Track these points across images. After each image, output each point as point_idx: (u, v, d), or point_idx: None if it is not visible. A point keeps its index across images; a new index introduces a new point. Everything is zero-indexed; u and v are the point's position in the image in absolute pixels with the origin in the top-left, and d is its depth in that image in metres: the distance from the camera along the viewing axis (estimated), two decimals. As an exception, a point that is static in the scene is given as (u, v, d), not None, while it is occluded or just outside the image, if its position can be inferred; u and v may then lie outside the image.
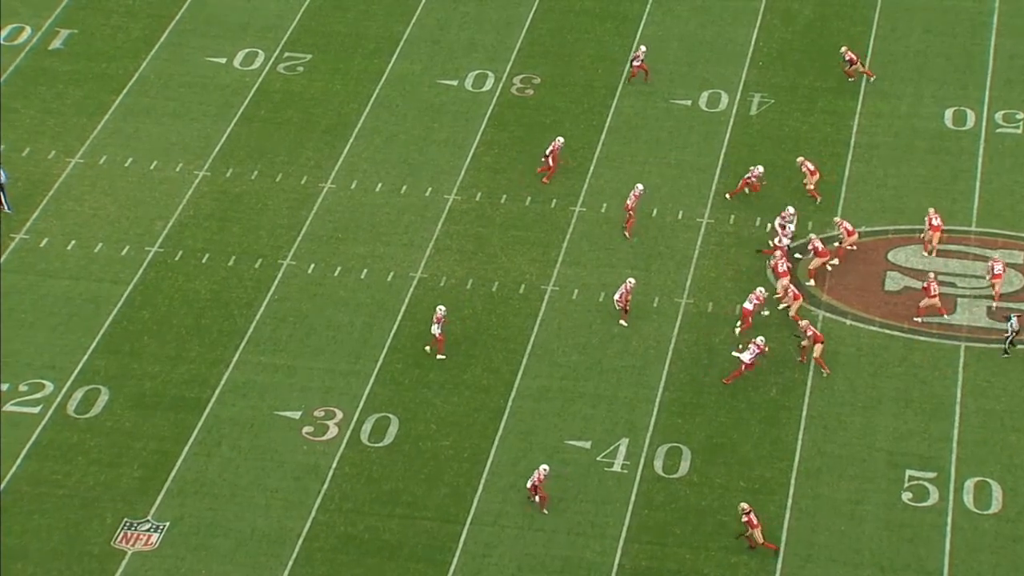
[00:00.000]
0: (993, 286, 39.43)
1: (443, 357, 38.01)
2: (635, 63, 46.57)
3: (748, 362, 37.10)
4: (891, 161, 43.93)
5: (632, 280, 38.91)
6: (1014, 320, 37.97)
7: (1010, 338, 37.91)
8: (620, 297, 38.81)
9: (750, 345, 37.24)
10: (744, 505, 33.83)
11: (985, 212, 42.13)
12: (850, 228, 40.63)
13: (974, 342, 38.54)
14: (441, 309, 37.94)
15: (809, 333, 37.50)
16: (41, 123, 45.41)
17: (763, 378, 37.57)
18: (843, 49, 46.58)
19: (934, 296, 38.50)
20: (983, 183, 43.11)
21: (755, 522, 33.69)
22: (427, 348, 38.33)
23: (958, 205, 42.46)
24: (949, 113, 45.63)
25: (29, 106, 46.03)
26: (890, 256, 40.95)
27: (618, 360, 38.04)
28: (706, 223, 41.99)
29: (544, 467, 34.61)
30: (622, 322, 38.86)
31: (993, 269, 39.39)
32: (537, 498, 34.56)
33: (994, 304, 39.39)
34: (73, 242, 41.49)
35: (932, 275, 39.19)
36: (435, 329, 37.87)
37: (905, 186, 43.12)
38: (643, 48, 46.98)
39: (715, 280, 40.29)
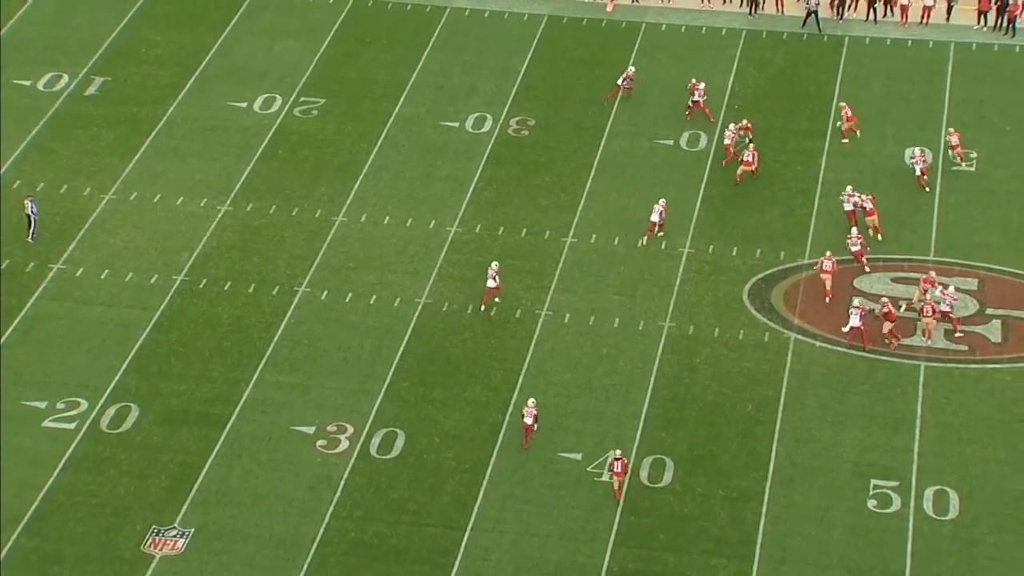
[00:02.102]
0: (921, 306, 39.15)
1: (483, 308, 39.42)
2: (624, 83, 46.65)
3: (858, 325, 38.15)
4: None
5: (663, 200, 41.42)
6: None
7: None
8: (660, 218, 40.91)
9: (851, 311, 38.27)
10: (617, 452, 34.34)
11: (942, 243, 42.18)
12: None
13: (933, 362, 38.52)
14: (495, 265, 39.44)
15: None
16: (77, 163, 45.46)
17: (740, 395, 37.54)
18: (842, 106, 46.33)
19: (893, 319, 38.42)
20: (940, 216, 43.16)
21: (619, 470, 34.15)
22: (483, 307, 39.46)
23: (918, 236, 42.51)
24: (908, 152, 45.72)
25: (67, 147, 46.09)
26: (856, 283, 40.97)
27: (606, 379, 38.02)
28: (687, 252, 42.02)
29: (532, 401, 35.75)
30: (645, 240, 40.48)
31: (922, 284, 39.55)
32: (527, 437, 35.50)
33: (924, 319, 39.05)
34: (106, 271, 41.49)
35: (886, 299, 39.26)
36: (491, 282, 39.26)
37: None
38: (632, 68, 47.22)
39: (696, 305, 40.30)
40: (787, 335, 39.37)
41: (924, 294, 39.41)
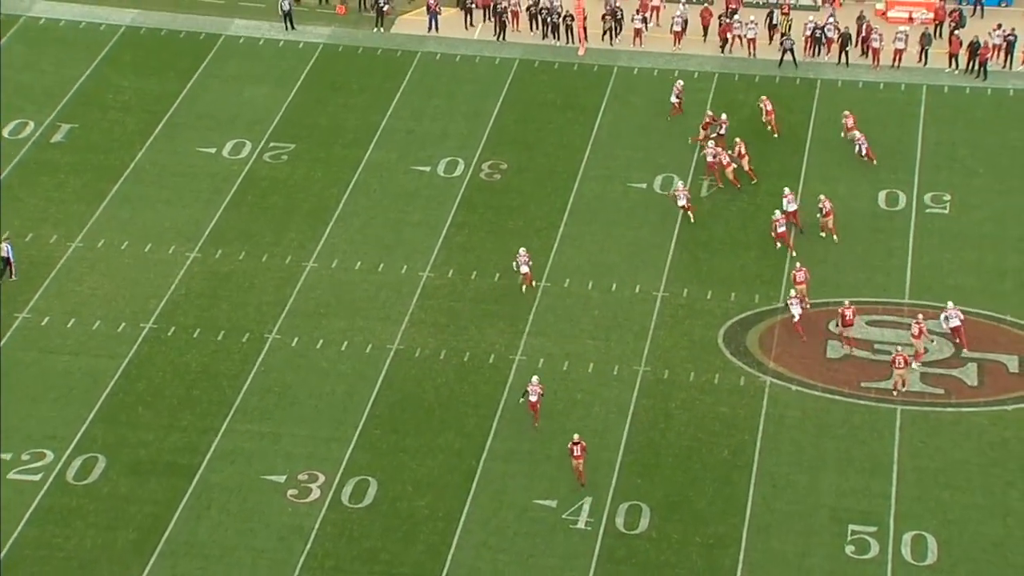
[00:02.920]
0: (915, 348, 39.64)
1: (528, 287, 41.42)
2: (675, 100, 48.37)
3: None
4: (830, 239, 44.34)
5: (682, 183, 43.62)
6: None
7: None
8: (687, 203, 43.56)
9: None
10: (576, 436, 35.84)
11: (916, 286, 42.56)
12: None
13: (909, 405, 38.76)
14: (523, 251, 41.58)
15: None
16: (44, 211, 45.44)
17: (716, 440, 37.67)
18: (846, 114, 47.72)
19: (902, 369, 38.69)
20: (914, 259, 43.56)
21: (578, 454, 35.57)
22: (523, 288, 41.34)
23: (892, 279, 42.89)
24: (882, 195, 46.21)
25: (33, 195, 46.08)
26: (831, 326, 41.25)
27: (581, 424, 38.09)
28: (661, 296, 42.27)
29: (535, 378, 37.32)
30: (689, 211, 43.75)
31: (911, 330, 39.77)
32: (536, 414, 37.13)
33: (917, 363, 39.58)
34: (73, 320, 41.39)
35: (847, 302, 40.30)
36: (524, 268, 41.25)
37: (843, 262, 43.53)
38: (681, 82, 48.70)
39: (670, 350, 40.50)
40: (763, 379, 39.59)
41: (919, 337, 39.63)
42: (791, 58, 51.83)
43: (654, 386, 39.35)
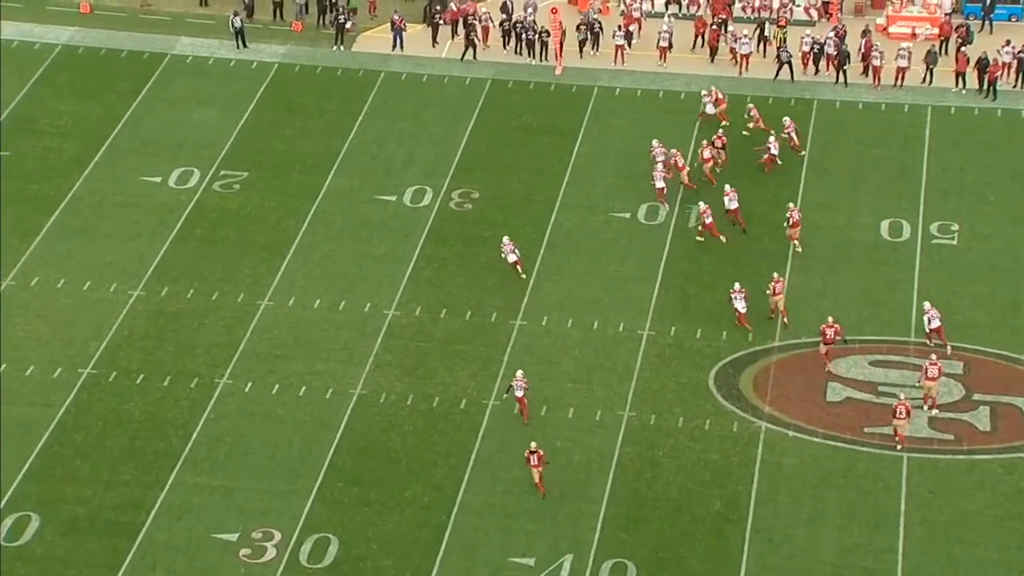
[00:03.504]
0: (928, 389, 40.02)
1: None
2: (710, 106, 49.55)
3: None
4: (829, 272, 44.76)
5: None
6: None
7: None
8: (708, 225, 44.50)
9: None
10: (533, 444, 37.07)
11: (923, 323, 42.86)
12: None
13: (916, 453, 39.02)
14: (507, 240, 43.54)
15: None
16: (-29, 244, 45.54)
17: (707, 491, 37.84)
18: (786, 121, 48.66)
19: (902, 419, 38.96)
20: (920, 294, 43.90)
21: (535, 463, 36.88)
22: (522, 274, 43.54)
23: (896, 316, 43.25)
24: (885, 224, 46.67)
25: (-41, 227, 46.16)
26: (831, 367, 41.56)
27: (561, 474, 38.20)
28: (647, 335, 42.53)
29: (519, 372, 39.08)
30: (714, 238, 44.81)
31: (928, 372, 40.09)
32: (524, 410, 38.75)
33: (935, 411, 40.01)
34: (3, 365, 41.30)
35: (830, 319, 41.21)
36: (512, 257, 43.29)
37: (844, 297, 43.90)
38: (713, 88, 49.93)
39: (657, 393, 40.72)
40: (758, 425, 39.82)
41: (935, 380, 39.91)
42: (788, 73, 52.38)
43: (640, 432, 39.52)
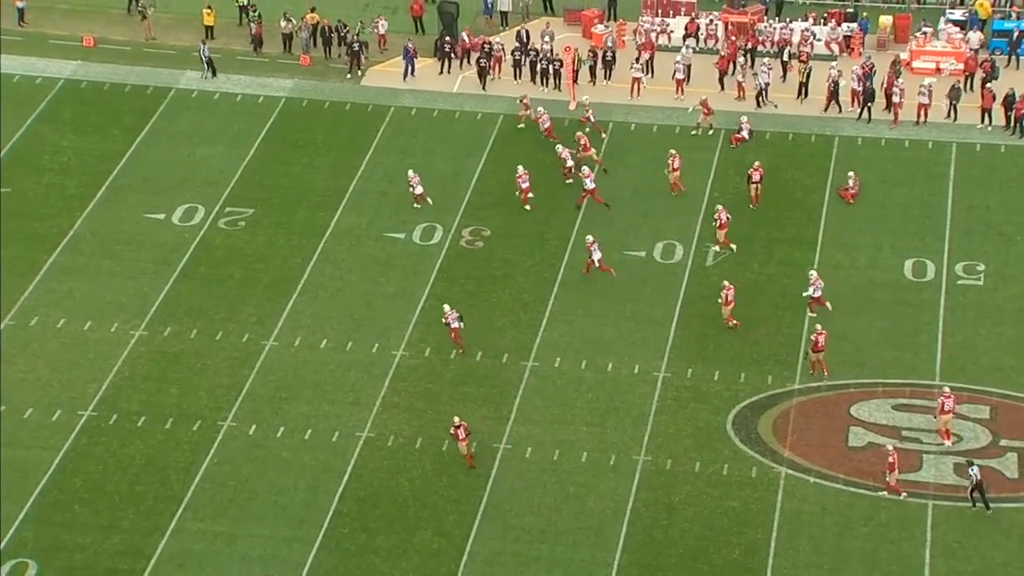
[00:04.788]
0: (943, 423, 39.90)
1: None
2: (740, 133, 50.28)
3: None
4: (851, 313, 44.72)
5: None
6: (976, 469, 38.40)
7: (972, 487, 38.28)
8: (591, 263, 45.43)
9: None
10: (456, 419, 38.63)
11: (948, 366, 42.81)
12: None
13: (942, 500, 38.86)
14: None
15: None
16: (-30, 283, 45.70)
17: (725, 538, 37.73)
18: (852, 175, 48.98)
19: (892, 464, 38.86)
20: (945, 336, 43.86)
21: (463, 436, 38.24)
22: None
23: (920, 359, 43.16)
24: (909, 264, 46.68)
25: (-42, 266, 46.37)
26: (853, 411, 41.47)
27: (574, 521, 38.15)
28: (663, 377, 42.51)
29: (446, 306, 41.87)
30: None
31: (944, 406, 40.02)
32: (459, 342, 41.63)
33: (948, 442, 39.89)
34: (2, 408, 41.38)
35: (819, 327, 42.09)
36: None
37: (866, 339, 43.86)
38: (745, 118, 50.44)
39: (674, 436, 40.66)
40: (777, 470, 39.72)
41: (944, 411, 40.00)
42: (836, 106, 52.78)
43: (655, 478, 39.45)
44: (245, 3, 58.33)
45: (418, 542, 37.69)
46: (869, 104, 52.76)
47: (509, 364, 42.90)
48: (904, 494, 38.69)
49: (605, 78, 54.68)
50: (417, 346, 43.53)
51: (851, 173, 49.13)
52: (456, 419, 38.97)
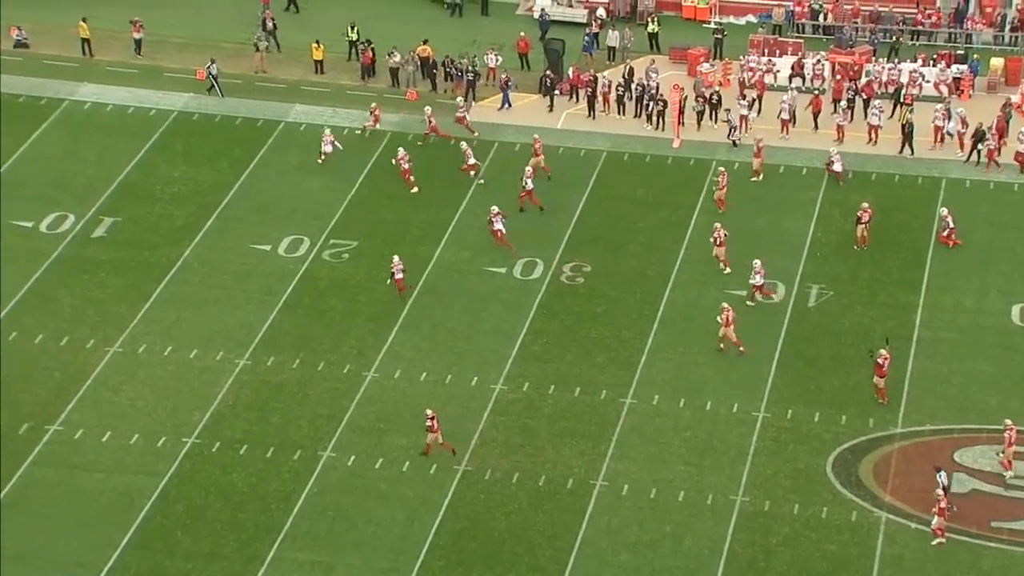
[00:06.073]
0: (1006, 455, 39.48)
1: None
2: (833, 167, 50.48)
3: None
4: (956, 357, 44.09)
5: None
6: (943, 474, 38.43)
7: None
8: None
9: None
10: (429, 411, 39.87)
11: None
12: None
13: (1047, 547, 38.23)
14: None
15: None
16: (81, 312, 46.37)
17: (823, 582, 37.34)
18: (943, 212, 48.12)
19: None
20: (1054, 381, 43.19)
21: (436, 427, 39.46)
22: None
23: (1027, 404, 42.51)
24: (1016, 309, 45.91)
25: (70, 295, 47.04)
26: (956, 456, 40.83)
27: (670, 560, 37.89)
28: (762, 417, 42.17)
29: (395, 257, 45.31)
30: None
31: (1010, 440, 39.50)
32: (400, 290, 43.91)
33: (1009, 473, 39.38)
34: (108, 434, 41.98)
35: (882, 355, 41.73)
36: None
37: (971, 384, 43.18)
38: (834, 150, 50.90)
39: (772, 477, 40.28)
40: (877, 515, 39.19)
41: (1009, 443, 39.57)
42: (910, 148, 52.03)
43: (753, 519, 39.10)
44: (355, 38, 59.06)
45: (513, 577, 37.70)
46: (979, 147, 52.00)
47: (607, 400, 42.80)
48: (943, 539, 38.05)
49: (711, 120, 54.50)
50: (516, 380, 43.58)
51: (943, 210, 48.40)
52: (429, 411, 40.33)
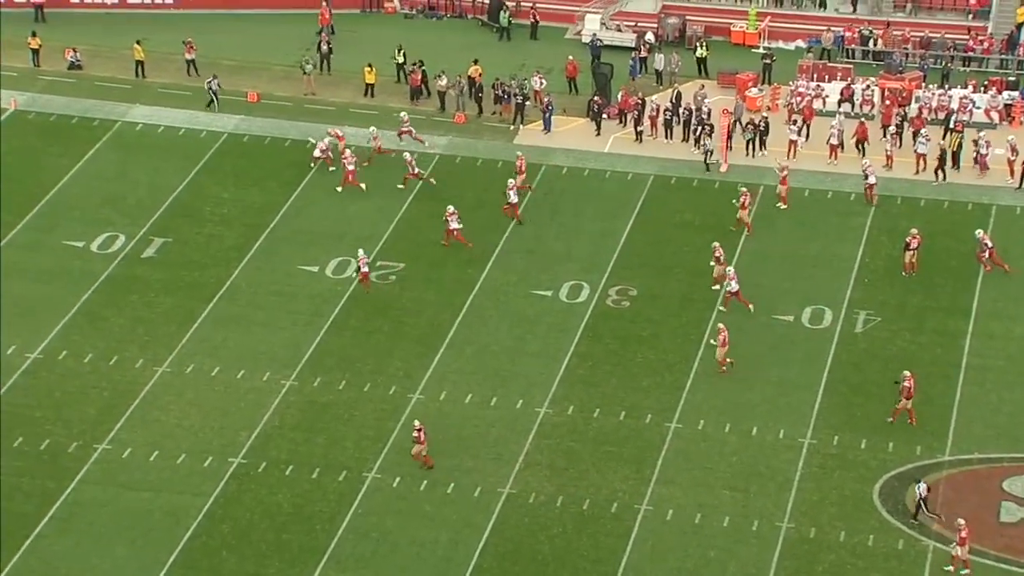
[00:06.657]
0: None
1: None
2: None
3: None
4: (1005, 385, 43.69)
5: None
6: (923, 486, 38.42)
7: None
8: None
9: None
10: (417, 423, 40.80)
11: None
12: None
13: (1097, 578, 37.76)
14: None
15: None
16: (130, 331, 46.67)
17: (869, 610, 37.02)
18: (980, 234, 47.50)
19: None
20: (1104, 411, 42.70)
21: (422, 439, 40.34)
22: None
23: (1084, 435, 42.02)
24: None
25: (119, 315, 47.36)
26: (1005, 485, 40.43)
27: (714, 587, 37.75)
28: (808, 443, 41.90)
29: (360, 251, 46.45)
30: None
31: None
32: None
33: None
34: (156, 453, 42.19)
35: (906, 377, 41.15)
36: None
37: (1020, 412, 42.76)
38: (867, 162, 51.18)
39: (818, 504, 40.01)
40: (925, 543, 38.83)
41: None
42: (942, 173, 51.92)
43: (798, 546, 38.83)
44: (402, 60, 59.30)
45: (556, 601, 37.58)
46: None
47: (652, 425, 42.67)
48: (968, 570, 37.58)
49: (760, 147, 54.33)
50: (561, 404, 43.52)
51: (979, 232, 48.01)
52: (416, 423, 40.92)
